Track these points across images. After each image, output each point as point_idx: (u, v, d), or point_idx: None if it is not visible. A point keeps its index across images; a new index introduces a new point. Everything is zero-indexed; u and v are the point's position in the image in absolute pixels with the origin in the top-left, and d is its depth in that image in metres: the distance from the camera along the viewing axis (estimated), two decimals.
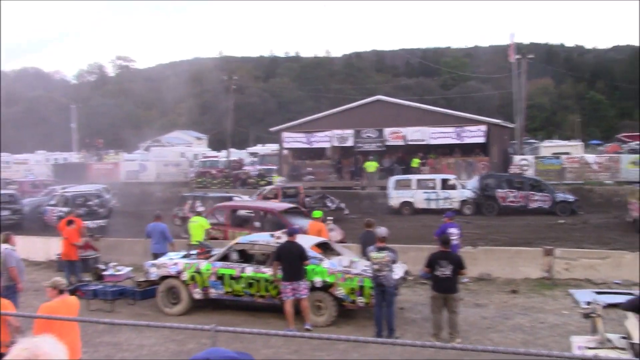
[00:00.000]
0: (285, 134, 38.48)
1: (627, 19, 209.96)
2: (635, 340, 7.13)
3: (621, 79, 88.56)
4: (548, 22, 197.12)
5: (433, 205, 27.10)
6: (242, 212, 19.12)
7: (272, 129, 40.82)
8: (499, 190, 27.09)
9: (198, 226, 14.80)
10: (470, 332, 10.30)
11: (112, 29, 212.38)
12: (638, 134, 58.34)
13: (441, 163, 35.17)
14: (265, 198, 26.01)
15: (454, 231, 13.55)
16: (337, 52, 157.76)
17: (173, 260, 12.27)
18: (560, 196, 26.66)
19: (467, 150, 35.97)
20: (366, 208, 28.60)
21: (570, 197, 26.86)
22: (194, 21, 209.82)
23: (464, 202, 27.37)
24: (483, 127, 35.44)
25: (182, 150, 50.51)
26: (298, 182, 32.52)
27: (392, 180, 28.97)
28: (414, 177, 29.29)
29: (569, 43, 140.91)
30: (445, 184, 27.93)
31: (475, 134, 35.25)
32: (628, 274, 13.42)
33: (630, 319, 7.36)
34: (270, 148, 48.42)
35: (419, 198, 27.82)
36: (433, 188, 27.94)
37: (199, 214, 15.61)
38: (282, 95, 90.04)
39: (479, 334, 10.29)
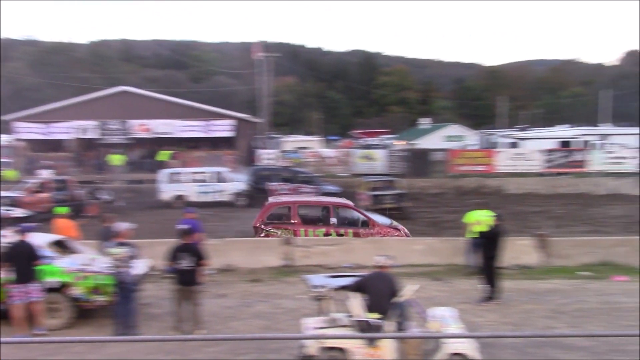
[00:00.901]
0: (19, 124, 35.35)
1: (361, 25, 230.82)
2: (358, 318, 7.97)
3: (355, 80, 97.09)
4: (291, 23, 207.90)
5: (208, 198, 27.01)
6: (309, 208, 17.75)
7: (3, 118, 37.20)
8: (271, 183, 27.91)
9: None
10: (213, 322, 10.47)
11: None
12: (369, 130, 64.74)
13: (189, 156, 35.18)
14: (35, 192, 23.78)
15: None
16: (82, 38, 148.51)
17: None
18: (326, 188, 28.35)
19: (214, 143, 36.45)
20: (137, 201, 27.68)
21: (335, 189, 28.69)
22: None
23: (237, 195, 27.75)
24: (231, 122, 36.25)
25: None
26: (32, 176, 30.01)
27: (164, 173, 28.35)
28: (186, 170, 28.93)
29: (310, 44, 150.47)
30: (218, 177, 28.08)
31: (223, 128, 35.96)
32: (357, 258, 14.83)
33: (353, 299, 8.19)
34: (3, 139, 43.89)
35: (192, 191, 27.50)
36: (206, 181, 27.90)
37: None
38: (17, 82, 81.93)
39: (221, 324, 10.53)
